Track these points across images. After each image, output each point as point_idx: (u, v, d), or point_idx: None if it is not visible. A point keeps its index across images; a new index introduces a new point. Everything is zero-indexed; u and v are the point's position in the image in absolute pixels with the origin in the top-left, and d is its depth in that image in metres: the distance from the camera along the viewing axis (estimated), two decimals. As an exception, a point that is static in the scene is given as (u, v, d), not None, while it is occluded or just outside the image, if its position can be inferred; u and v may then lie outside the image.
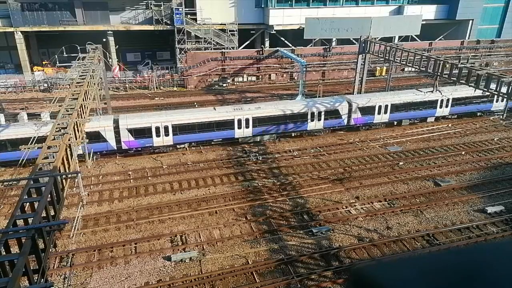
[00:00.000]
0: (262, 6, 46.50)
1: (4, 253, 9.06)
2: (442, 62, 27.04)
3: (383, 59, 35.48)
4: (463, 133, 32.59)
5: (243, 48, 47.21)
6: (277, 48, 45.75)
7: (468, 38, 53.43)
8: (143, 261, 17.49)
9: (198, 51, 44.31)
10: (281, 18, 45.98)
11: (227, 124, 28.98)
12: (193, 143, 29.40)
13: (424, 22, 48.92)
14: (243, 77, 46.47)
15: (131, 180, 24.96)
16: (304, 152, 29.04)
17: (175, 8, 43.38)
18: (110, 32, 44.51)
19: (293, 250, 18.12)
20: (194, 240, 18.97)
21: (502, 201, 22.04)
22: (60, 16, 43.90)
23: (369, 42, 34.84)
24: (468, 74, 24.85)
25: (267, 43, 48.67)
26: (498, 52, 54.61)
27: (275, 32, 46.70)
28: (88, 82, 22.59)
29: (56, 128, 16.39)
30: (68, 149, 15.42)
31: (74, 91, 20.83)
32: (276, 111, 29.88)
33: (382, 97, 32.87)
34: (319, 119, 30.93)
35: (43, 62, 46.44)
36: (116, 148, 27.21)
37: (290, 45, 47.01)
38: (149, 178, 25.18)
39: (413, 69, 42.35)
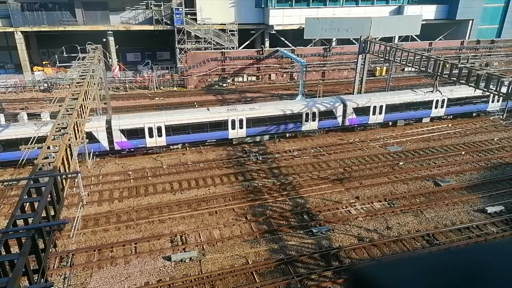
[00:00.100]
0: (262, 6, 46.50)
1: (4, 253, 9.06)
2: (442, 62, 27.04)
3: (383, 59, 35.48)
4: (463, 133, 32.60)
5: (243, 48, 47.21)
6: (277, 48, 45.75)
7: (468, 38, 53.43)
8: (143, 261, 17.49)
9: (198, 51, 44.31)
10: (281, 18, 45.98)
11: (221, 125, 28.83)
12: (186, 144, 29.22)
13: (424, 22, 48.93)
14: (243, 77, 46.47)
15: (131, 180, 24.96)
16: (304, 152, 29.04)
17: (175, 8, 43.38)
18: (110, 32, 44.51)
19: (293, 250, 18.13)
20: (194, 240, 18.97)
21: (502, 201, 22.04)
22: (60, 16, 43.90)
23: (369, 42, 34.83)
24: (468, 74, 24.85)
25: (267, 43, 48.67)
26: (498, 52, 54.62)
27: (275, 32, 46.71)
28: (88, 82, 22.57)
29: (56, 128, 16.39)
30: (68, 149, 15.41)
31: (74, 91, 20.82)
32: (270, 111, 29.76)
33: (377, 97, 32.73)
34: (314, 120, 30.85)
35: (43, 62, 46.43)
36: (108, 149, 27.02)
37: (290, 45, 47.01)
38: (149, 178, 25.18)
39: (413, 69, 42.37)
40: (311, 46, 48.18)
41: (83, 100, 20.26)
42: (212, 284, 16.12)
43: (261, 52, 45.91)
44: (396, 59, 31.82)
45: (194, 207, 21.74)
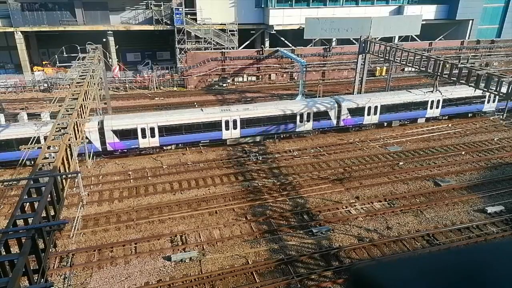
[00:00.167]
0: (262, 6, 46.50)
1: (4, 253, 9.07)
2: (442, 62, 27.03)
3: (383, 59, 35.47)
4: (463, 133, 32.59)
5: (243, 48, 47.21)
6: (277, 48, 45.75)
7: (468, 38, 53.42)
8: (143, 261, 17.49)
9: (198, 51, 44.31)
10: (281, 18, 45.98)
11: (215, 125, 28.64)
12: (180, 145, 29.06)
13: (424, 22, 48.92)
14: (243, 77, 46.47)
15: (131, 180, 24.96)
16: (304, 152, 29.04)
17: (175, 8, 43.38)
18: (110, 32, 44.51)
19: (293, 250, 18.12)
20: (194, 240, 18.97)
21: (502, 201, 22.04)
22: (60, 16, 43.91)
23: (369, 42, 34.83)
24: (468, 74, 24.84)
25: (267, 43, 48.67)
26: (498, 52, 54.62)
27: (275, 32, 46.71)
28: (88, 82, 22.59)
29: (56, 128, 16.40)
30: (68, 149, 15.42)
31: (74, 91, 20.83)
32: (264, 112, 29.62)
33: (372, 98, 32.61)
34: (308, 120, 30.73)
35: (43, 62, 46.43)
36: (101, 150, 26.79)
37: (290, 45, 47.01)
38: (149, 178, 25.17)
39: (413, 69, 42.36)
40: (311, 46, 48.18)
41: (83, 100, 20.28)
42: (212, 284, 16.12)
43: (261, 52, 45.91)
44: (396, 59, 31.81)
45: (194, 207, 21.74)
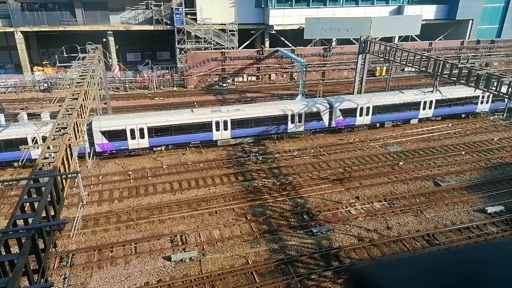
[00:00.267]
0: (262, 6, 46.51)
1: (4, 253, 9.07)
2: (442, 62, 27.03)
3: (383, 59, 35.47)
4: (463, 133, 32.60)
5: (243, 48, 47.21)
6: (277, 48, 45.76)
7: (468, 38, 53.43)
8: (143, 261, 17.49)
9: (198, 51, 44.32)
10: (281, 18, 45.98)
11: (205, 126, 28.43)
12: (170, 146, 28.88)
13: (424, 22, 48.92)
14: (243, 77, 46.47)
15: (131, 180, 24.96)
16: (304, 152, 29.04)
17: (175, 8, 43.38)
18: (110, 32, 44.51)
19: (293, 250, 18.12)
20: (194, 240, 18.97)
21: (502, 201, 22.04)
22: (60, 16, 43.91)
23: (369, 42, 34.83)
24: (468, 74, 24.84)
25: (267, 43, 48.67)
26: (498, 52, 54.63)
27: (275, 32, 46.71)
28: (88, 82, 22.60)
29: (56, 128, 16.40)
30: (68, 149, 15.42)
31: (74, 91, 20.84)
32: (255, 113, 29.46)
33: (364, 99, 32.50)
34: (300, 121, 30.58)
35: (43, 62, 46.44)
36: (90, 151, 26.69)
37: (290, 45, 47.01)
38: (149, 178, 25.17)
39: (413, 69, 42.36)
40: (311, 46, 48.18)
41: (83, 100, 20.28)
42: (212, 284, 16.12)
43: (261, 52, 45.91)
44: (396, 59, 31.81)
45: (194, 207, 21.74)
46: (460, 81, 26.05)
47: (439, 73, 27.46)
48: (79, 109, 18.88)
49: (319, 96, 37.03)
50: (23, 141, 24.24)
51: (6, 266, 8.62)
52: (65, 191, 13.54)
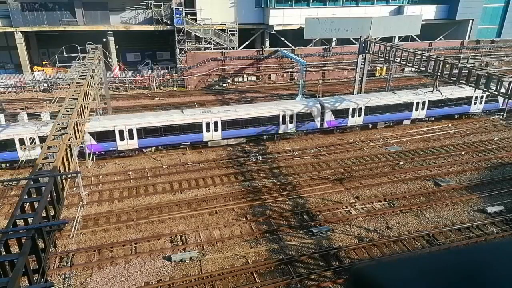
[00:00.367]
0: (262, 6, 46.51)
1: (4, 253, 9.07)
2: (442, 62, 27.03)
3: (383, 59, 35.46)
4: (463, 133, 32.60)
5: (243, 48, 47.21)
6: (277, 48, 45.76)
7: (468, 38, 53.43)
8: (143, 261, 17.49)
9: (198, 51, 44.31)
10: (281, 18, 45.98)
11: (195, 127, 28.28)
12: (160, 147, 28.75)
13: (424, 22, 48.92)
14: (243, 77, 46.47)
15: (131, 180, 24.96)
16: (304, 152, 29.04)
17: (175, 8, 43.38)
18: (110, 32, 44.51)
19: (293, 250, 18.13)
20: (194, 240, 18.97)
21: (502, 201, 22.04)
22: (60, 16, 43.91)
23: (369, 42, 34.83)
24: (468, 74, 24.84)
25: (267, 43, 48.67)
26: (498, 52, 54.62)
27: (275, 32, 46.71)
28: (88, 82, 22.60)
29: (56, 128, 16.41)
30: (68, 149, 15.42)
31: (74, 91, 20.85)
32: (246, 114, 29.35)
33: (355, 99, 32.40)
34: (291, 122, 30.43)
35: (43, 62, 46.44)
36: (78, 152, 26.66)
37: (290, 45, 47.01)
38: (149, 178, 25.17)
39: (413, 69, 42.36)
40: (311, 46, 48.18)
41: (83, 100, 20.30)
42: (212, 284, 16.12)
43: (261, 52, 45.91)
44: (396, 59, 31.80)
45: (194, 207, 21.74)
46: (460, 81, 26.06)
47: (439, 73, 27.47)
48: (79, 109, 18.89)
49: (319, 96, 37.02)
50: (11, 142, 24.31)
51: (6, 266, 8.62)
52: (65, 191, 13.54)
